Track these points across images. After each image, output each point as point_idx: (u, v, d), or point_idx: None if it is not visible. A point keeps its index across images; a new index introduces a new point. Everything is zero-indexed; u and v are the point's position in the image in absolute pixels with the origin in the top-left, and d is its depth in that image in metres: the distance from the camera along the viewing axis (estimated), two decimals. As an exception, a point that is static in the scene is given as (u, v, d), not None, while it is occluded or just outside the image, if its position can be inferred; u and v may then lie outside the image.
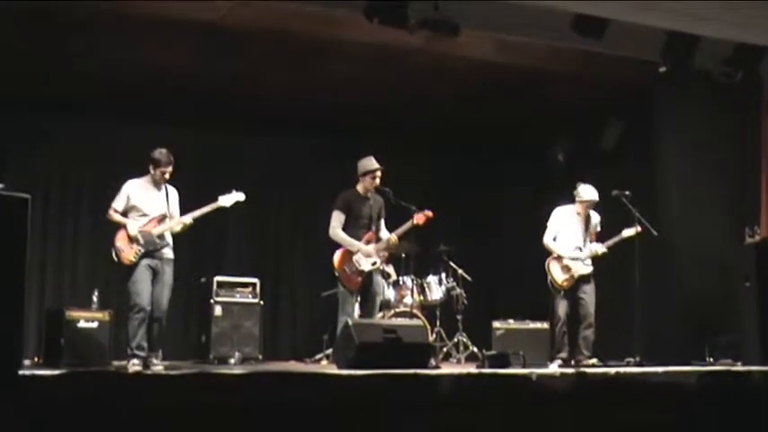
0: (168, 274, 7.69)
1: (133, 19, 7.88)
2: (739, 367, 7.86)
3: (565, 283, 8.77)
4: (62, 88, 9.62)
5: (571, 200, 8.93)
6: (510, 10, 7.48)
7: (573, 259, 8.76)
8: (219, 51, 8.82)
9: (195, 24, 8.05)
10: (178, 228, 7.78)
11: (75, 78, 9.39)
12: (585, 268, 8.81)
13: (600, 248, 8.80)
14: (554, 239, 8.88)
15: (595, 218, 8.96)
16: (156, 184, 7.76)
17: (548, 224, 8.93)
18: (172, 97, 9.90)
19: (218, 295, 9.64)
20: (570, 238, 8.86)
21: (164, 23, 7.98)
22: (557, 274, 8.82)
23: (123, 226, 7.63)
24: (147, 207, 7.70)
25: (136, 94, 9.75)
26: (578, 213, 8.89)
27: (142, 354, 7.50)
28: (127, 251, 7.56)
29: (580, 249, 8.82)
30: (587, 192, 8.84)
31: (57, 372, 5.86)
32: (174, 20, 7.91)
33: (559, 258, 8.80)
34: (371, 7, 7.02)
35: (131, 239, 7.56)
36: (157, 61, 9.01)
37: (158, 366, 7.53)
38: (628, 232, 8.79)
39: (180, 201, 7.94)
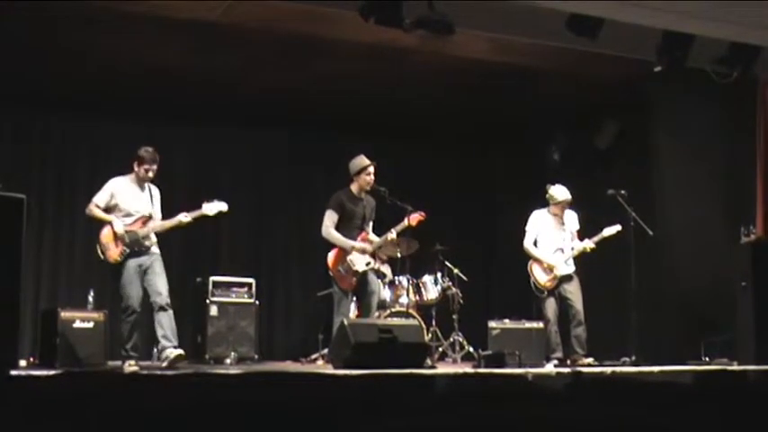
0: (158, 265, 7.63)
1: (130, 17, 7.87)
2: (735, 366, 7.87)
3: (548, 284, 8.81)
4: (58, 87, 9.62)
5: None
6: (505, 9, 7.49)
7: (554, 261, 8.79)
8: (216, 50, 8.81)
9: (192, 23, 8.04)
10: (169, 224, 7.76)
11: (72, 77, 9.38)
12: (567, 268, 8.83)
13: (589, 244, 8.82)
14: (534, 243, 8.92)
15: (572, 217, 8.98)
16: (140, 182, 7.73)
17: (526, 229, 8.97)
18: (168, 96, 9.91)
19: (213, 295, 9.62)
20: (550, 240, 8.91)
21: (160, 22, 7.97)
22: (539, 275, 8.86)
23: (108, 223, 7.59)
24: (132, 207, 7.68)
25: (132, 92, 9.74)
26: (554, 215, 8.93)
27: (136, 354, 7.49)
28: (112, 250, 7.54)
29: (561, 251, 8.84)
30: (559, 192, 8.89)
31: (52, 372, 5.86)
32: (171, 18, 7.90)
33: (541, 260, 8.83)
34: (367, 6, 7.02)
35: (117, 238, 7.53)
36: (154, 60, 9.00)
37: (177, 351, 7.40)
38: (609, 231, 8.82)
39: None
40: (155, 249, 7.70)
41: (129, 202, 7.68)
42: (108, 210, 7.65)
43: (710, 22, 7.82)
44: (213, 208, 7.82)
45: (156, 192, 7.87)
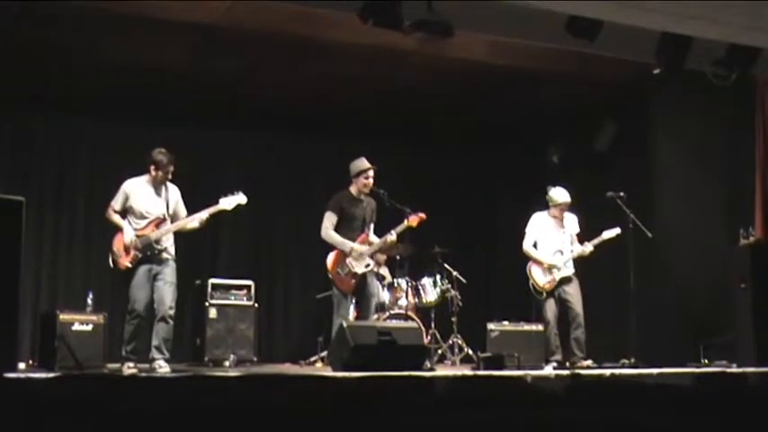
0: (169, 273, 7.56)
1: (130, 19, 7.87)
2: (734, 369, 7.86)
3: (547, 286, 8.80)
4: (58, 89, 9.62)
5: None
6: (503, 11, 7.48)
7: (554, 262, 8.79)
8: (216, 51, 8.81)
9: (192, 24, 8.04)
10: (194, 224, 7.73)
11: (72, 79, 9.38)
12: (567, 271, 8.82)
13: (588, 248, 8.82)
14: (534, 245, 8.93)
15: (572, 220, 8.99)
16: (157, 184, 7.67)
17: (526, 231, 8.98)
18: (168, 97, 9.90)
19: (212, 297, 9.60)
20: (549, 242, 8.90)
21: (161, 23, 7.97)
22: (538, 277, 8.85)
23: (120, 230, 7.57)
24: (146, 209, 7.61)
25: (132, 94, 9.74)
26: (554, 217, 8.93)
27: (135, 357, 7.46)
28: (123, 257, 7.48)
29: (561, 253, 8.84)
30: (559, 195, 8.90)
31: (51, 375, 5.85)
32: (171, 20, 7.90)
33: (540, 262, 8.84)
34: (366, 8, 7.01)
35: (127, 246, 7.51)
36: (154, 61, 8.99)
37: (165, 368, 7.38)
38: (608, 234, 8.82)
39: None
40: (167, 255, 7.60)
41: (142, 205, 7.62)
42: (124, 212, 7.62)
43: (709, 23, 7.81)
44: (231, 202, 7.75)
45: (173, 190, 7.80)
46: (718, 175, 9.59)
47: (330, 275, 8.09)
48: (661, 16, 7.59)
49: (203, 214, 7.71)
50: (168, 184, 7.75)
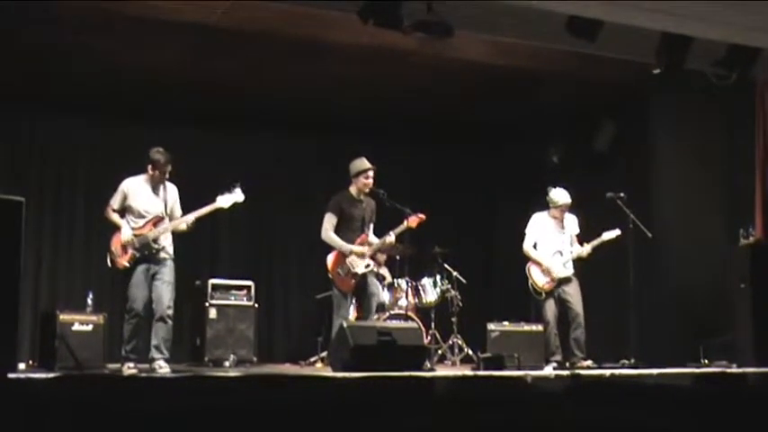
0: (167, 273, 7.54)
1: (130, 20, 7.88)
2: (734, 369, 7.87)
3: (546, 286, 8.79)
4: (58, 89, 9.63)
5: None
6: (503, 11, 7.49)
7: (553, 263, 8.79)
8: (216, 51, 8.82)
9: (192, 25, 8.04)
10: (182, 227, 7.72)
11: (72, 79, 9.38)
12: (566, 271, 8.82)
13: (585, 251, 8.82)
14: (534, 246, 8.92)
15: (573, 220, 8.98)
16: (155, 183, 7.66)
17: (526, 231, 8.97)
18: (167, 98, 9.90)
19: (212, 298, 9.59)
20: (549, 243, 8.90)
21: (161, 24, 7.97)
22: (537, 277, 8.84)
23: (119, 229, 7.56)
24: (144, 209, 7.60)
25: (132, 94, 9.74)
26: (554, 218, 8.93)
27: (135, 356, 7.46)
28: (121, 257, 7.48)
29: (561, 254, 8.84)
30: (560, 196, 8.88)
31: (51, 375, 5.86)
32: (171, 21, 7.90)
33: (540, 262, 8.83)
34: (366, 8, 7.02)
35: (125, 245, 7.51)
36: (154, 62, 9.00)
37: (165, 369, 7.36)
38: (608, 235, 8.81)
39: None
40: (165, 255, 7.58)
41: (140, 204, 7.61)
42: (123, 210, 7.62)
43: (709, 23, 7.82)
44: (228, 200, 7.72)
45: (172, 189, 7.78)
46: (717, 175, 9.59)
47: (330, 276, 8.09)
48: (661, 16, 7.60)
49: (189, 217, 7.67)
50: (167, 183, 7.75)
